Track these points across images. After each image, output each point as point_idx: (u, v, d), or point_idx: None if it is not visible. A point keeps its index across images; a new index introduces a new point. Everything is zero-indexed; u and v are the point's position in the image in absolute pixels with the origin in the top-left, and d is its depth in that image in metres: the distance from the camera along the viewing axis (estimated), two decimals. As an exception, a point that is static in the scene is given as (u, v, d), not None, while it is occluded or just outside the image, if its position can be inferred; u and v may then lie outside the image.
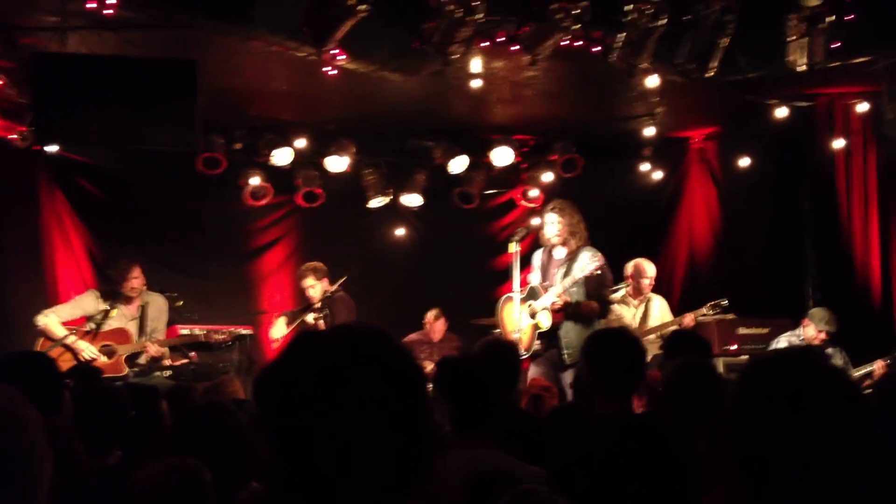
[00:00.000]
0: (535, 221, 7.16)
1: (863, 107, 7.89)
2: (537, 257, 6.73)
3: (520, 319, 6.45)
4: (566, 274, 6.35)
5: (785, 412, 1.58)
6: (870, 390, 3.51)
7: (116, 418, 3.49)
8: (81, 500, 2.66)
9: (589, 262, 6.22)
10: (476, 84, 6.89)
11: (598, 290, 6.45)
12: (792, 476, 1.55)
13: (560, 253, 6.54)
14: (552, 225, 6.51)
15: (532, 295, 6.48)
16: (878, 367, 6.95)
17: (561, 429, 3.64)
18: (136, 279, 7.12)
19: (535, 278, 6.64)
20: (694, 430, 3.06)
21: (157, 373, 6.93)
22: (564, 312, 6.34)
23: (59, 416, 3.17)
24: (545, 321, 6.38)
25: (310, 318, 7.66)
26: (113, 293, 7.09)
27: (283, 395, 1.31)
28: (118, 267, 7.20)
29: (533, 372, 6.27)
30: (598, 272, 6.28)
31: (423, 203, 9.29)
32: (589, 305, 6.39)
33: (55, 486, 2.55)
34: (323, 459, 1.27)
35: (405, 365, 1.35)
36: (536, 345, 6.39)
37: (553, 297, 6.32)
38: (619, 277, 7.41)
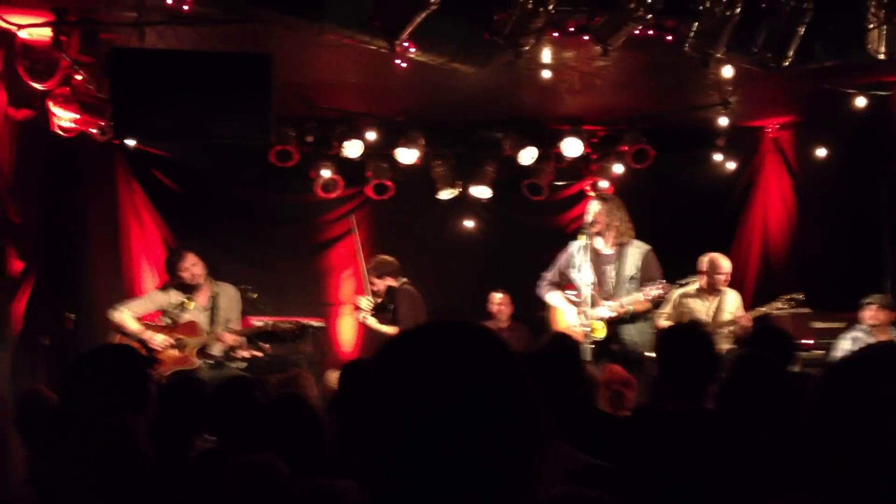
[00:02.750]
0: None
1: (944, 95, 7.63)
2: (575, 246, 6.70)
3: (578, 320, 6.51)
4: (618, 272, 6.47)
5: (872, 414, 1.53)
6: None
7: (196, 411, 3.52)
8: (146, 497, 2.64)
9: (639, 259, 6.47)
10: (546, 75, 6.84)
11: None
12: (877, 481, 1.51)
13: (605, 248, 6.59)
14: (592, 213, 6.61)
15: (590, 302, 6.45)
16: None
17: (639, 427, 3.56)
18: (193, 266, 6.97)
19: (577, 273, 6.61)
20: (756, 429, 2.97)
21: (232, 364, 6.95)
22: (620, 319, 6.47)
23: (143, 413, 3.12)
24: (601, 330, 6.40)
25: (371, 320, 7.72)
26: (181, 286, 6.98)
27: (397, 401, 1.22)
28: (172, 255, 7.20)
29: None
30: (660, 290, 6.37)
31: (492, 195, 9.27)
32: (643, 305, 6.48)
33: (125, 482, 2.53)
34: (444, 465, 1.19)
35: (519, 361, 1.30)
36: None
37: (609, 311, 6.40)
38: (691, 270, 7.30)
